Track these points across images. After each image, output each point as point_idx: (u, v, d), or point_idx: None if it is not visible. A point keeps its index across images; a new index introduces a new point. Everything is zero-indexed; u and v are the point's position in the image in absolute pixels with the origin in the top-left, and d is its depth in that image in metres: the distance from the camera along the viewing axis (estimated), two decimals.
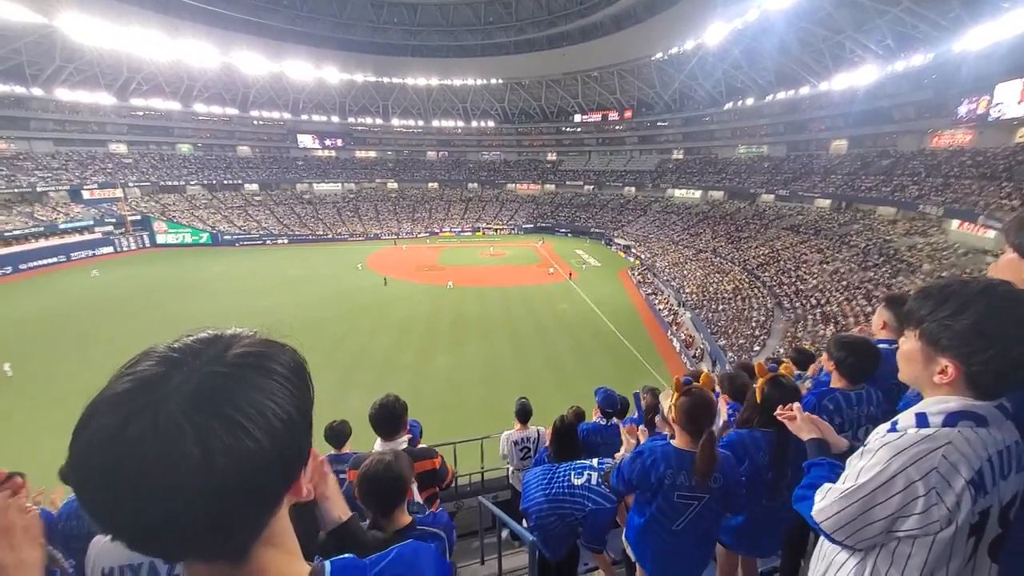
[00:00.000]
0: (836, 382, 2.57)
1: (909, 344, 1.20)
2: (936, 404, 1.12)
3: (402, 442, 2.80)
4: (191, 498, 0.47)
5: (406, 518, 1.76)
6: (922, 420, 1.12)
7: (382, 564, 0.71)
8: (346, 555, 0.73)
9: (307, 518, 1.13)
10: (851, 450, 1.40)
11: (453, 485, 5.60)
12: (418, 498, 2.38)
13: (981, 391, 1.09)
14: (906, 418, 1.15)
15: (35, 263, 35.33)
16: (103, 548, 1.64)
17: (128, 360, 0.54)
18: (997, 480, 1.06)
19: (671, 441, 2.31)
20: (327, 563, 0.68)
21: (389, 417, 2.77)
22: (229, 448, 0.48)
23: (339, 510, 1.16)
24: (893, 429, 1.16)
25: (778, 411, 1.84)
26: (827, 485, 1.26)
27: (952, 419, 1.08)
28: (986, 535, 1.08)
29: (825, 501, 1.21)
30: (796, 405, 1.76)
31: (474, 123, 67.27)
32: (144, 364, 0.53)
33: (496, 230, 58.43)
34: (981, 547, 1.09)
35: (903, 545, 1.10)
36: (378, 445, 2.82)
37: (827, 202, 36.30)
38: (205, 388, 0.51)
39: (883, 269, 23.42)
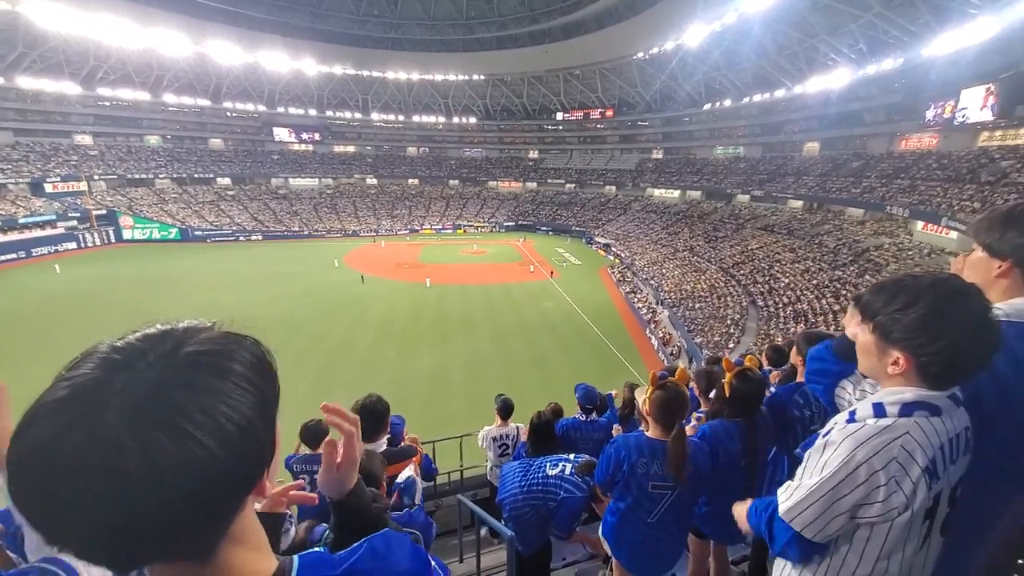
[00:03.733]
0: (802, 375, 2.64)
1: (865, 337, 1.24)
2: (892, 395, 1.16)
3: (382, 444, 2.75)
4: (137, 513, 0.44)
5: None
6: (879, 410, 1.15)
7: (354, 558, 0.68)
8: (315, 549, 0.71)
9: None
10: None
11: (433, 483, 5.56)
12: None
13: (932, 381, 1.13)
14: (864, 408, 1.19)
15: None
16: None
17: (70, 361, 0.50)
18: (948, 465, 1.12)
19: (645, 432, 2.34)
20: (295, 558, 0.66)
21: (370, 418, 2.68)
22: (177, 460, 0.45)
23: (349, 480, 1.01)
24: (852, 419, 1.19)
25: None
26: (789, 483, 1.28)
27: (908, 409, 1.12)
28: (938, 516, 1.15)
29: (793, 499, 1.22)
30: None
31: (455, 119, 66.83)
32: (84, 367, 0.49)
33: (477, 228, 58.25)
34: (935, 527, 1.16)
35: (862, 530, 1.15)
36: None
37: (800, 203, 37.33)
38: (149, 395, 0.47)
39: (851, 268, 24.20)
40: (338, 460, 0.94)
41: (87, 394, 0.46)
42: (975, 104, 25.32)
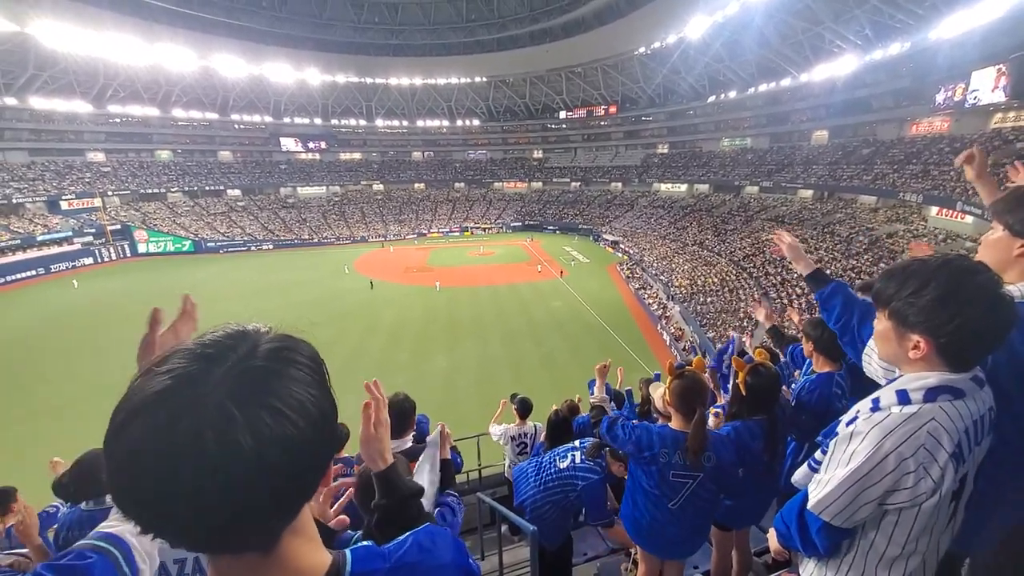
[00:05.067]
0: (821, 365, 2.62)
1: (882, 324, 1.24)
2: (915, 380, 1.16)
3: (407, 441, 2.81)
4: (247, 487, 0.49)
5: None
6: (903, 397, 1.15)
7: (401, 551, 0.73)
8: (366, 543, 0.74)
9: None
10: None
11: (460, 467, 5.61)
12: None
13: (954, 362, 1.14)
14: (888, 396, 1.19)
15: (13, 276, 34.47)
16: None
17: (153, 359, 0.54)
18: (972, 447, 1.13)
19: (668, 424, 2.36)
20: (347, 552, 0.69)
21: (399, 415, 2.76)
22: (277, 436, 0.50)
23: (380, 456, 1.20)
24: (876, 407, 1.19)
25: (775, 234, 1.93)
26: (817, 477, 1.29)
27: (932, 395, 1.13)
28: (963, 496, 1.17)
29: (823, 491, 1.22)
30: (780, 235, 1.95)
31: (459, 122, 67.02)
32: (176, 362, 0.53)
33: (484, 229, 58.35)
34: (960, 507, 1.17)
35: (890, 515, 1.16)
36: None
37: (810, 192, 36.85)
38: (247, 381, 0.52)
39: (865, 257, 23.84)
40: (372, 420, 1.16)
41: (192, 383, 0.51)
42: (986, 85, 24.82)
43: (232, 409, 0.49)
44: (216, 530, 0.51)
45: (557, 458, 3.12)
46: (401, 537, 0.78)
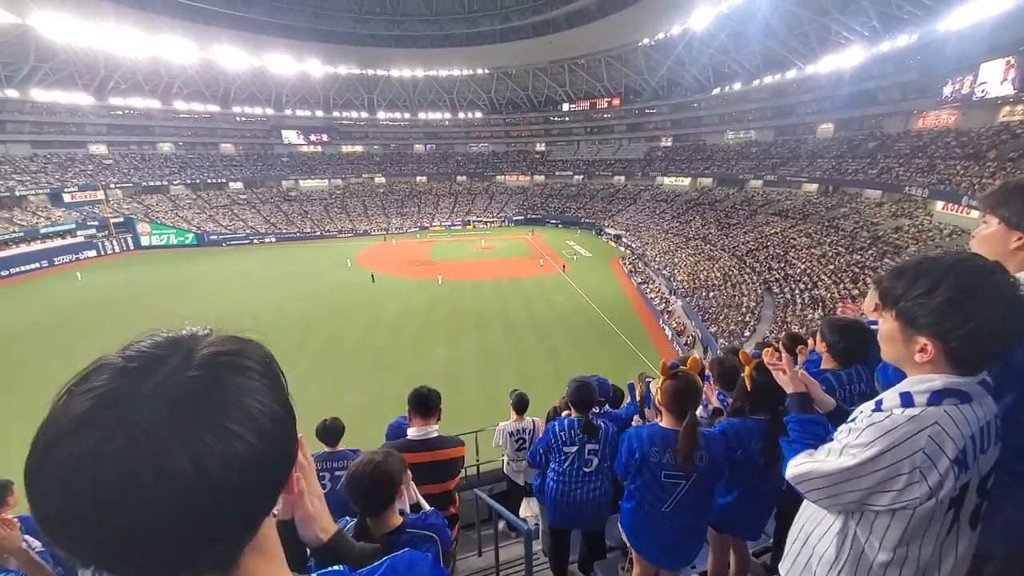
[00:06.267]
0: (827, 363, 2.59)
1: (888, 325, 1.19)
2: (920, 383, 1.12)
3: (434, 429, 3.02)
4: (188, 513, 0.44)
5: (396, 519, 1.72)
6: (907, 399, 1.12)
7: None
8: (335, 568, 0.68)
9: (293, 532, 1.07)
10: (840, 416, 1.41)
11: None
12: (421, 500, 2.22)
13: (962, 367, 1.09)
14: (891, 397, 1.15)
15: (17, 269, 34.63)
16: None
17: (75, 376, 0.48)
18: (977, 455, 1.08)
19: (658, 422, 2.34)
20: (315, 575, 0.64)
21: (433, 399, 3.10)
22: (222, 455, 0.45)
23: (320, 529, 1.07)
24: (878, 409, 1.15)
25: (767, 358, 1.80)
26: (808, 452, 1.28)
27: (936, 398, 1.08)
28: (965, 506, 1.11)
29: (803, 467, 1.23)
30: (786, 356, 1.74)
31: (461, 114, 66.68)
32: (98, 378, 0.47)
33: (487, 223, 58.22)
34: (962, 517, 1.12)
35: (882, 517, 1.12)
36: (411, 430, 3.03)
37: (814, 186, 36.59)
38: (182, 395, 0.47)
39: (870, 252, 23.69)
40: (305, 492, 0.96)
41: (115, 402, 0.45)
42: (995, 78, 24.52)
43: (163, 431, 0.43)
44: (160, 558, 0.45)
45: (557, 429, 3.24)
46: (377, 563, 0.73)
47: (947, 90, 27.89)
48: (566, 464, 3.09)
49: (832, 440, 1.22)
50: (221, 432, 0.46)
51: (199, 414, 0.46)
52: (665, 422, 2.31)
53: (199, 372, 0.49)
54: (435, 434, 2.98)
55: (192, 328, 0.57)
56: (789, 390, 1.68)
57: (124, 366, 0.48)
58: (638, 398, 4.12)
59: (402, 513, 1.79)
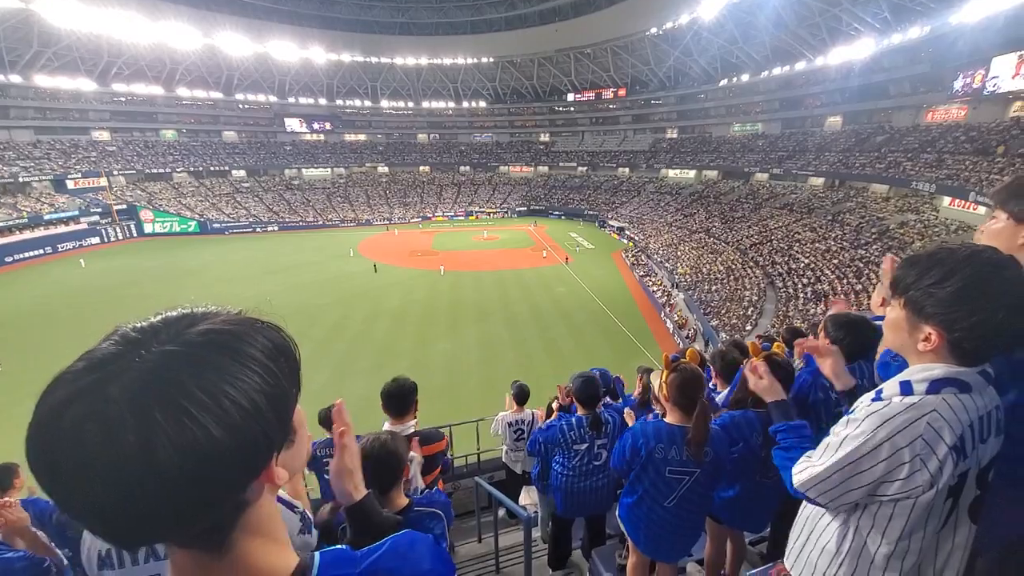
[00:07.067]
0: None
1: (895, 313, 1.20)
2: (921, 372, 1.13)
3: (410, 426, 2.84)
4: (132, 489, 0.43)
5: (403, 499, 1.75)
6: (906, 388, 1.13)
7: (375, 555, 0.67)
8: (337, 546, 0.69)
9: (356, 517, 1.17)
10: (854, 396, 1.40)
11: (451, 466, 5.67)
12: (419, 482, 2.35)
13: (964, 357, 1.10)
14: (891, 387, 1.16)
15: (21, 255, 34.77)
16: None
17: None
18: (976, 444, 1.09)
19: (663, 419, 2.33)
20: (316, 554, 0.64)
21: (404, 395, 2.85)
22: (171, 439, 0.43)
23: (354, 486, 1.16)
24: (878, 398, 1.16)
25: (746, 367, 1.80)
26: (807, 456, 1.28)
27: (936, 386, 1.10)
28: (963, 497, 1.12)
29: (806, 473, 1.23)
30: (763, 366, 1.75)
31: (465, 104, 66.21)
32: (105, 343, 0.49)
33: (489, 214, 58.06)
34: (960, 508, 1.12)
35: (885, 508, 1.14)
36: (387, 425, 2.86)
37: (820, 180, 36.27)
38: (155, 370, 0.46)
39: (875, 247, 23.54)
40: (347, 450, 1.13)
41: (98, 367, 0.46)
42: (1007, 72, 24.14)
43: (122, 403, 0.43)
44: (116, 526, 0.45)
45: (564, 426, 3.24)
46: (379, 542, 0.73)
47: (958, 84, 27.49)
48: (576, 460, 3.13)
49: (829, 435, 1.22)
50: (175, 412, 0.44)
51: (160, 391, 0.45)
52: (671, 418, 2.29)
53: (182, 348, 0.48)
54: (411, 431, 2.87)
55: (216, 306, 0.57)
56: (768, 398, 1.68)
57: (127, 333, 0.50)
58: (639, 390, 4.13)
59: (407, 494, 1.82)
